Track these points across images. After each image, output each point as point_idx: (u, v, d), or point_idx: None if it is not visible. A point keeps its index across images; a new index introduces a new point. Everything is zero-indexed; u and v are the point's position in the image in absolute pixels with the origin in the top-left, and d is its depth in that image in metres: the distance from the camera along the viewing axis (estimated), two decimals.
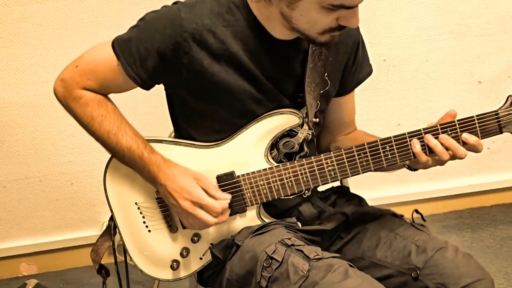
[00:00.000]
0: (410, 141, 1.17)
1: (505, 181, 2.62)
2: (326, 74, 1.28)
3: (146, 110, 2.16)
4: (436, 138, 1.15)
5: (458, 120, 1.16)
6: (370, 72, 1.40)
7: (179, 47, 1.14)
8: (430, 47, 2.34)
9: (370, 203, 1.43)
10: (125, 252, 1.33)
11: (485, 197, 2.66)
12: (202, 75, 1.16)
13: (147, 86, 1.23)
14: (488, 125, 1.16)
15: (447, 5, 2.28)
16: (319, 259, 1.09)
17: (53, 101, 1.26)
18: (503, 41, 2.37)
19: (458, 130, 1.15)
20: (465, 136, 1.15)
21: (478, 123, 1.16)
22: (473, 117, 1.16)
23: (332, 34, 1.13)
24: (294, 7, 1.08)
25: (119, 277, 1.42)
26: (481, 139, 1.16)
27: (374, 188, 2.51)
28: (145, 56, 1.16)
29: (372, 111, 2.38)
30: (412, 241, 1.22)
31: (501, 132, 1.17)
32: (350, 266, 1.09)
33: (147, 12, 1.19)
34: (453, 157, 1.16)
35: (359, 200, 1.42)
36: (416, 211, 1.36)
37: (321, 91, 1.28)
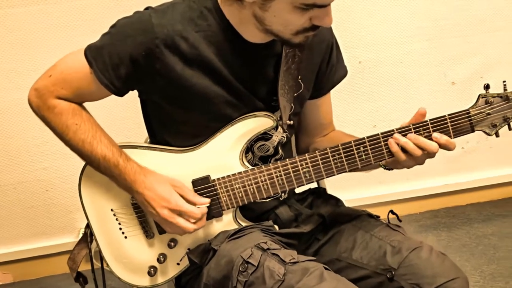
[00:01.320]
0: (384, 141, 1.18)
1: (479, 180, 2.66)
2: (299, 77, 1.28)
3: (121, 115, 2.14)
4: (405, 136, 1.16)
5: (430, 120, 1.17)
6: (345, 74, 1.41)
7: (151, 53, 1.13)
8: (404, 49, 2.37)
9: (347, 204, 1.44)
10: (101, 259, 1.32)
11: (460, 197, 2.70)
12: (175, 81, 1.16)
13: (120, 93, 1.22)
14: (460, 124, 1.17)
15: (419, 8, 2.31)
16: (295, 262, 1.09)
17: (27, 106, 1.25)
18: (475, 42, 2.40)
19: (431, 129, 1.17)
20: (436, 135, 1.16)
21: (450, 122, 1.17)
22: (445, 116, 1.17)
23: (306, 34, 1.13)
24: (267, 8, 1.07)
25: (96, 285, 1.40)
26: (454, 138, 1.18)
27: (351, 189, 2.53)
28: (118, 63, 1.15)
29: (348, 113, 2.39)
30: (388, 241, 1.23)
31: (473, 131, 1.19)
32: (326, 269, 1.09)
33: (119, 18, 1.19)
34: (428, 154, 1.16)
35: (336, 201, 1.42)
36: (392, 211, 1.37)
37: (295, 94, 1.29)
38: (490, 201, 2.73)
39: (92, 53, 1.17)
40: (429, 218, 2.64)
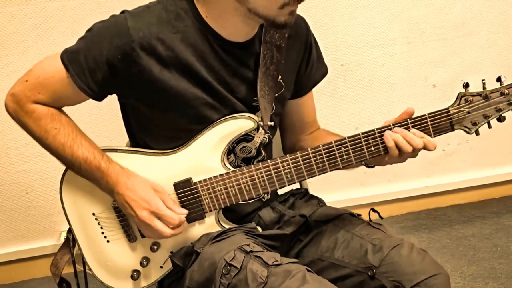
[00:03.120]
0: (365, 141, 1.19)
1: (459, 182, 2.69)
2: (280, 78, 1.28)
3: (103, 117, 2.13)
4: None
5: (410, 119, 1.18)
6: (325, 72, 1.41)
7: (127, 56, 1.12)
8: (386, 52, 2.39)
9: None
10: (84, 264, 1.31)
11: (441, 198, 2.73)
12: (153, 84, 1.15)
13: (98, 97, 1.21)
14: (440, 122, 1.18)
15: (401, 11, 2.33)
16: (278, 265, 1.09)
17: None
18: (455, 45, 2.43)
19: (411, 128, 1.18)
20: (414, 131, 1.17)
21: (430, 121, 1.18)
22: (425, 115, 1.18)
23: (291, 8, 1.11)
24: None
25: None
26: (434, 136, 1.19)
27: (333, 191, 2.54)
28: (94, 67, 1.15)
29: (330, 115, 2.40)
30: (369, 240, 1.23)
31: (452, 129, 1.20)
32: (308, 271, 1.10)
33: (95, 22, 1.18)
34: (413, 150, 1.17)
35: (318, 201, 1.43)
36: (373, 209, 1.38)
37: (276, 94, 1.29)
38: (470, 203, 2.76)
39: (68, 57, 1.16)
40: (410, 220, 2.66)
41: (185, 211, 1.20)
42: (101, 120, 2.14)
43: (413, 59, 2.43)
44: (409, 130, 1.17)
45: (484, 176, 2.71)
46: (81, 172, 1.21)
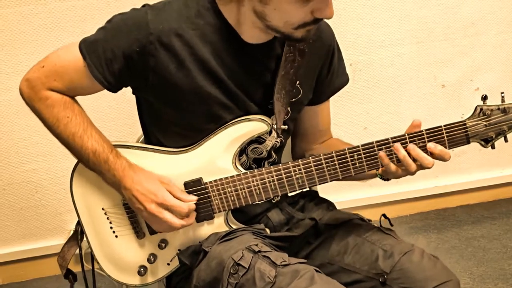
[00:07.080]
0: (378, 150, 1.17)
1: (468, 182, 2.67)
2: (298, 83, 1.26)
3: (111, 116, 2.13)
4: (405, 148, 1.15)
5: (426, 130, 1.15)
6: (346, 81, 1.38)
7: (145, 49, 1.12)
8: (394, 52, 2.38)
9: (338, 206, 1.44)
10: (92, 258, 1.31)
11: (450, 199, 2.71)
12: (168, 79, 1.15)
13: (113, 89, 1.21)
14: (456, 135, 1.15)
15: (409, 11, 2.32)
16: (286, 265, 1.09)
17: (16, 108, 1.24)
18: (464, 45, 2.42)
19: (426, 139, 1.15)
20: (430, 145, 1.14)
21: (446, 133, 1.15)
22: (441, 127, 1.15)
23: (307, 28, 1.11)
24: (268, 1, 1.06)
25: (87, 285, 1.40)
26: (449, 149, 1.16)
27: (342, 191, 2.53)
28: (111, 58, 1.15)
29: (338, 115, 2.40)
30: (380, 245, 1.22)
31: (468, 143, 1.16)
32: (317, 271, 1.09)
33: (114, 14, 1.18)
34: (420, 166, 1.16)
35: (328, 204, 1.42)
36: (384, 215, 1.37)
37: (293, 99, 1.27)
38: (479, 203, 2.75)
39: (86, 46, 1.16)
40: (419, 220, 2.65)
41: (194, 198, 1.19)
42: (109, 120, 2.14)
43: (422, 59, 2.42)
44: (424, 142, 1.15)
45: (493, 176, 2.69)
46: (89, 164, 1.21)
